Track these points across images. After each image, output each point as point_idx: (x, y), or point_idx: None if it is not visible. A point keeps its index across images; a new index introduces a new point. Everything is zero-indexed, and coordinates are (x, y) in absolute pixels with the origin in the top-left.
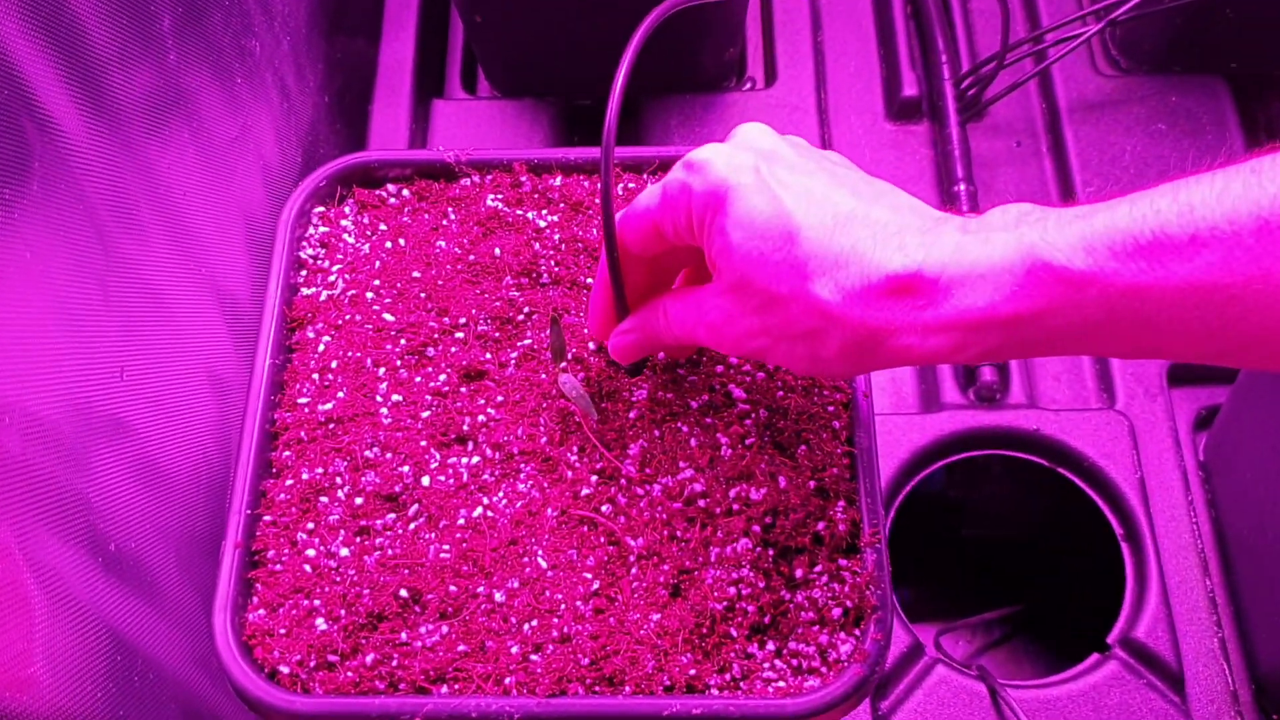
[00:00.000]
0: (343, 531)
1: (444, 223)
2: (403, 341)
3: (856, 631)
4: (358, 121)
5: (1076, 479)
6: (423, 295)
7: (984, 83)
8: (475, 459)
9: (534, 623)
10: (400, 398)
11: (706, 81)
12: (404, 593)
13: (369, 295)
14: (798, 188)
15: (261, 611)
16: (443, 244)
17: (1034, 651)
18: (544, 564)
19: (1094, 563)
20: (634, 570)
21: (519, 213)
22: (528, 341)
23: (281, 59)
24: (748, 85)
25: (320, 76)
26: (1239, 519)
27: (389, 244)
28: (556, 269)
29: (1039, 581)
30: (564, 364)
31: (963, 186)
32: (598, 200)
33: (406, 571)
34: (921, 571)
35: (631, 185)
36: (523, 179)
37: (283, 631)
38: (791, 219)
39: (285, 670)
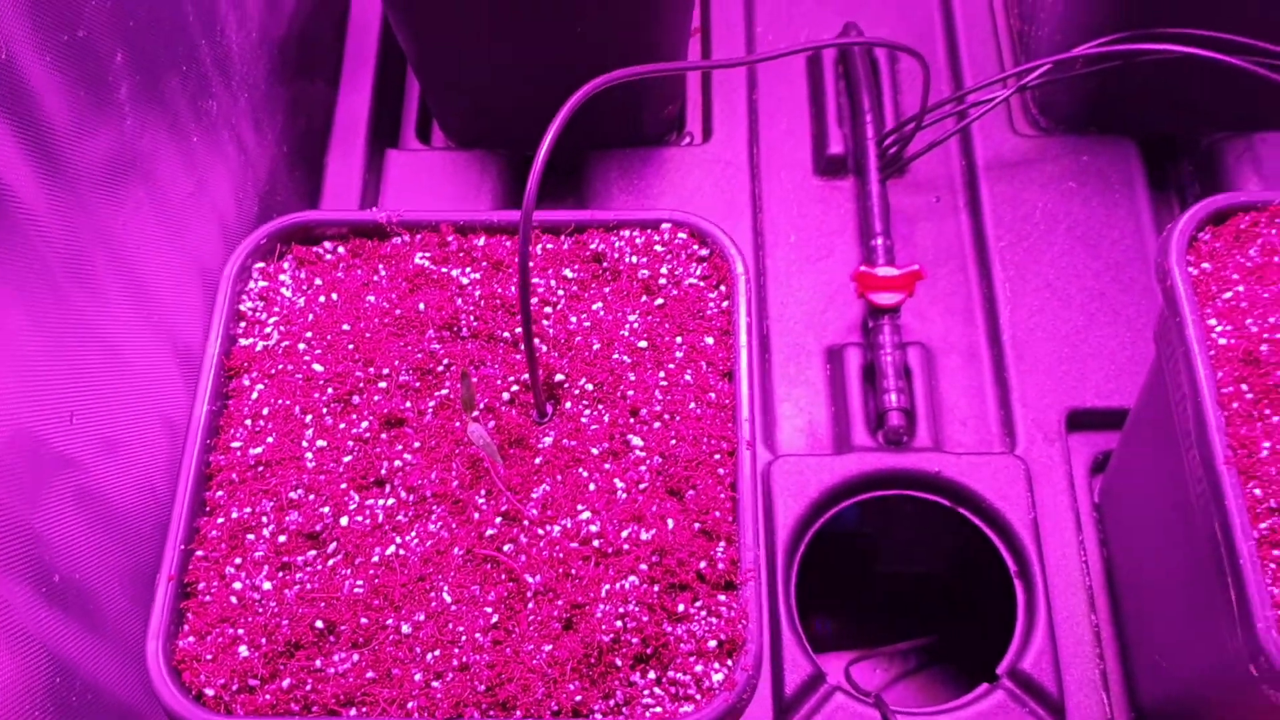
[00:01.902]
0: (267, 566)
1: (375, 279)
2: (329, 390)
3: (729, 662)
4: (317, 169)
5: (975, 519)
6: (350, 347)
7: (905, 141)
8: (391, 501)
9: (437, 652)
10: (325, 443)
11: (648, 137)
12: (320, 624)
13: (301, 346)
14: None
15: (191, 639)
16: (372, 299)
17: (943, 681)
18: (449, 599)
19: (995, 598)
20: (531, 605)
21: (444, 270)
22: (445, 391)
23: (239, 115)
24: (686, 140)
25: (279, 127)
26: (1124, 557)
27: (322, 298)
28: (476, 323)
29: (951, 614)
30: (474, 414)
31: (880, 240)
32: (517, 259)
33: (323, 604)
34: (839, 603)
35: (549, 245)
36: (449, 238)
37: (209, 657)
38: None
39: (210, 693)
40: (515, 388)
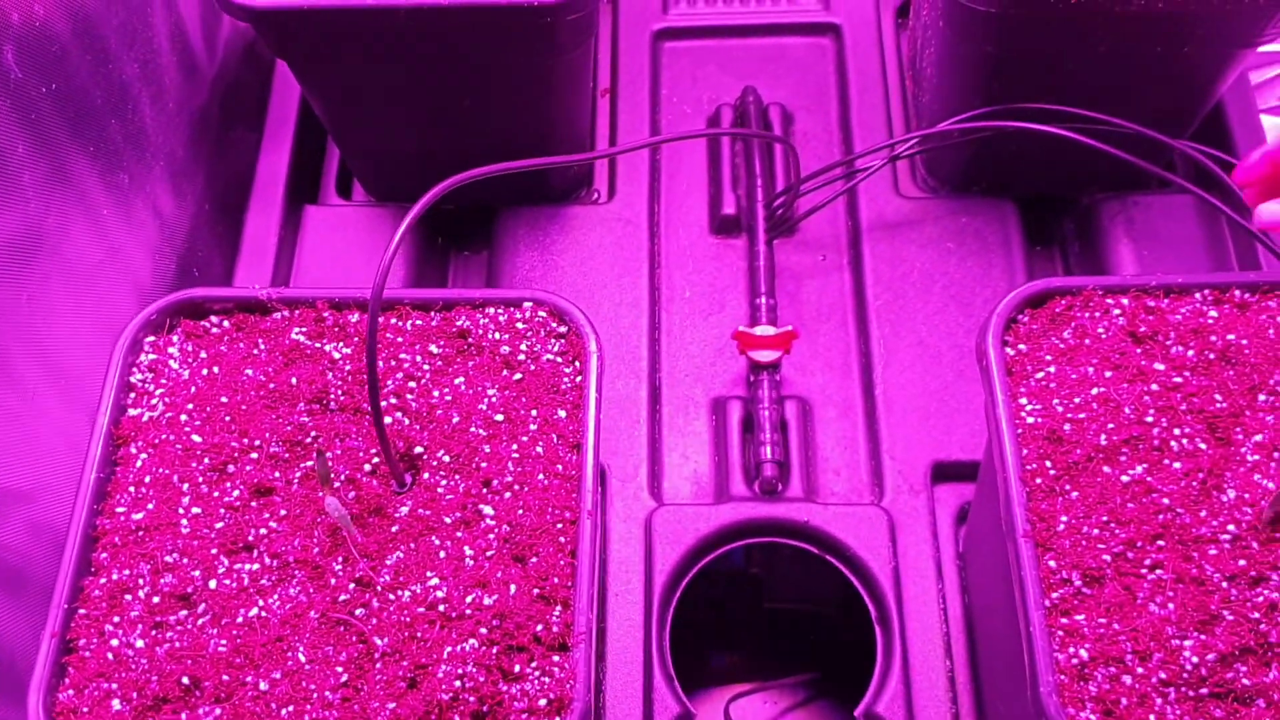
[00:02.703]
0: (141, 625)
1: (254, 352)
2: (206, 460)
3: (557, 719)
4: (240, 223)
5: (841, 566)
6: (228, 418)
7: (790, 204)
8: (256, 565)
9: (291, 708)
10: (199, 510)
11: (556, 193)
12: (186, 680)
13: (183, 418)
14: None
15: (71, 692)
16: (250, 372)
17: (823, 718)
18: (303, 658)
19: (863, 641)
20: (379, 665)
21: (317, 345)
22: (311, 463)
23: (155, 181)
24: (594, 197)
25: (200, 188)
26: (979, 606)
27: (205, 371)
28: (343, 397)
29: (832, 651)
30: (335, 486)
31: (763, 299)
32: (389, 335)
33: (190, 662)
34: (729, 640)
35: (419, 321)
36: (325, 314)
37: (86, 710)
38: None
39: None
40: (377, 459)
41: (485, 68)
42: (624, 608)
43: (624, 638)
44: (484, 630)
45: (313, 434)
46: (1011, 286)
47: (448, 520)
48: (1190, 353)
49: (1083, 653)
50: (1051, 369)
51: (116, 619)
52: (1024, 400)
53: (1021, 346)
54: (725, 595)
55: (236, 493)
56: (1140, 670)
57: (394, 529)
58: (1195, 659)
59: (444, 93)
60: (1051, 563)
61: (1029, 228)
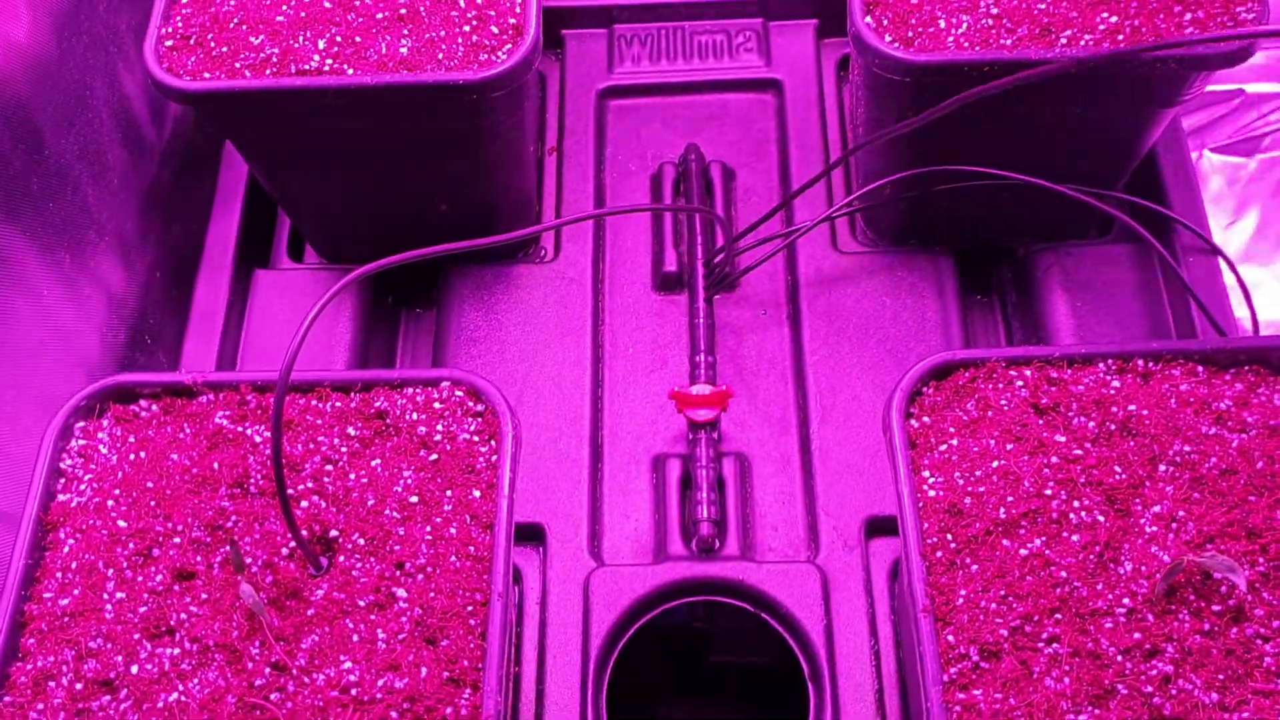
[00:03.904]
0: (64, 713)
1: (180, 436)
2: (130, 545)
3: None
4: (191, 291)
5: (775, 623)
6: (153, 503)
7: (730, 261)
8: (177, 650)
9: None
10: (123, 595)
11: (503, 250)
12: None
13: (110, 503)
14: None
15: None
16: (175, 456)
17: None
18: None
19: (802, 697)
20: None
21: (239, 429)
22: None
23: (100, 256)
24: (541, 256)
25: (150, 259)
26: (908, 659)
27: (133, 456)
28: (264, 481)
29: (776, 707)
30: (248, 572)
31: (702, 357)
32: (308, 417)
33: None
34: (677, 692)
35: (338, 403)
36: (249, 397)
37: None
38: None
39: None
40: (294, 543)
41: (420, 138)
42: (563, 668)
43: (562, 698)
44: (394, 714)
45: (234, 518)
46: (946, 339)
47: (362, 603)
48: (1091, 424)
49: None
50: (954, 441)
51: (41, 706)
52: (926, 473)
53: (926, 419)
54: (672, 649)
55: (159, 577)
56: None
57: (310, 612)
58: None
59: (384, 163)
60: (950, 637)
61: (969, 279)
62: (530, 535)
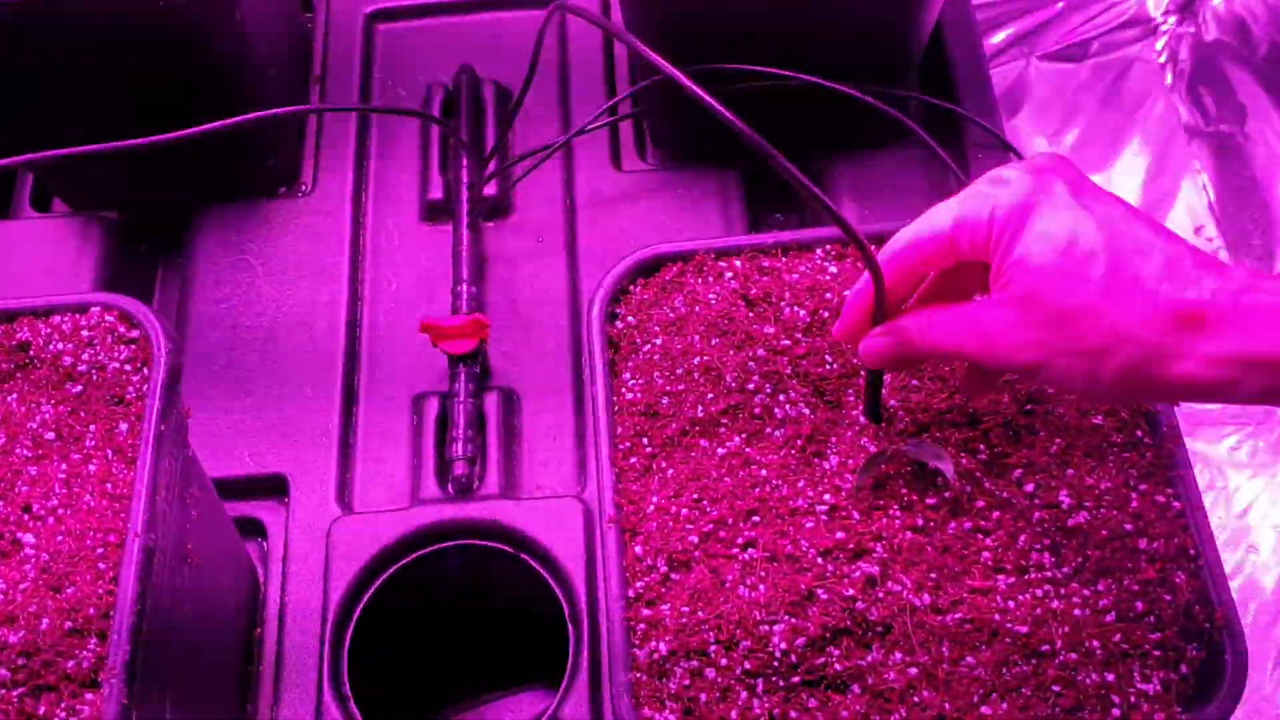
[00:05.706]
0: None
1: None
2: None
3: None
4: None
5: (535, 564)
6: None
7: (506, 186)
8: None
9: None
10: None
11: (260, 188)
12: None
13: None
14: (1100, 211)
15: None
16: None
17: None
18: None
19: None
20: None
21: None
22: None
23: None
24: (301, 191)
25: None
26: None
27: None
28: None
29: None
30: None
31: (464, 287)
32: None
33: None
34: (454, 650)
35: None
36: None
37: None
38: (1095, 239)
39: None
40: None
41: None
42: (301, 628)
43: (300, 660)
44: (6, 672)
45: None
46: None
47: None
48: (804, 313)
49: (662, 646)
50: (659, 340)
51: None
52: (627, 375)
53: (631, 319)
54: (443, 606)
55: None
56: (724, 662)
57: None
58: (785, 645)
59: (102, 88)
60: (639, 548)
61: (761, 195)
62: (273, 488)
